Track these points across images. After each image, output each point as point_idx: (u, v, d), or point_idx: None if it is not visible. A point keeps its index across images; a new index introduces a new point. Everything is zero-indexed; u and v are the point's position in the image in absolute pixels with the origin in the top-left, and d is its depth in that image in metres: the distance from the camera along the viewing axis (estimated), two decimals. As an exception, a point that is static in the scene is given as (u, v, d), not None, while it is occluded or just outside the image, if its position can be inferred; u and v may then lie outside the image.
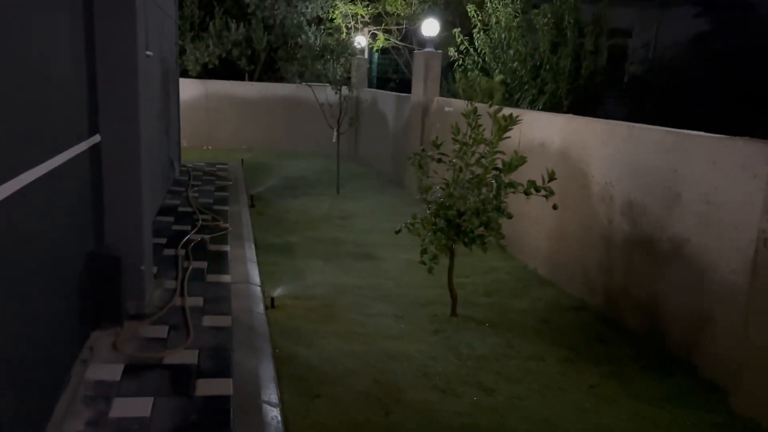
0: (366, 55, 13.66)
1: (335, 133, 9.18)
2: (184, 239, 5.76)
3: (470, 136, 4.54)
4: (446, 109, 7.98)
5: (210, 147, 13.29)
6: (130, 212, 3.97)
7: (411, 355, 3.88)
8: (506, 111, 4.66)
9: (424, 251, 4.66)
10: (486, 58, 8.94)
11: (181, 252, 5.38)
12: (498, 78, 8.45)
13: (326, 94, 9.72)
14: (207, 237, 5.92)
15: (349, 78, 14.62)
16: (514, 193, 4.33)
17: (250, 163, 11.30)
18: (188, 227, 6.24)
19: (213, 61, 13.13)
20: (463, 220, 4.27)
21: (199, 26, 13.38)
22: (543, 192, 4.30)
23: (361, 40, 12.90)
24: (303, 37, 13.30)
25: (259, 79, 13.89)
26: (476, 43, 8.95)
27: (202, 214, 6.80)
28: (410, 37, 14.24)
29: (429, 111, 8.61)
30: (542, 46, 8.36)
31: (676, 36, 12.96)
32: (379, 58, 14.83)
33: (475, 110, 4.55)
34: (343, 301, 4.77)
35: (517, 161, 4.43)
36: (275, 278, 5.16)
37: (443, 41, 10.49)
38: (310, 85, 9.50)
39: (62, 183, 3.23)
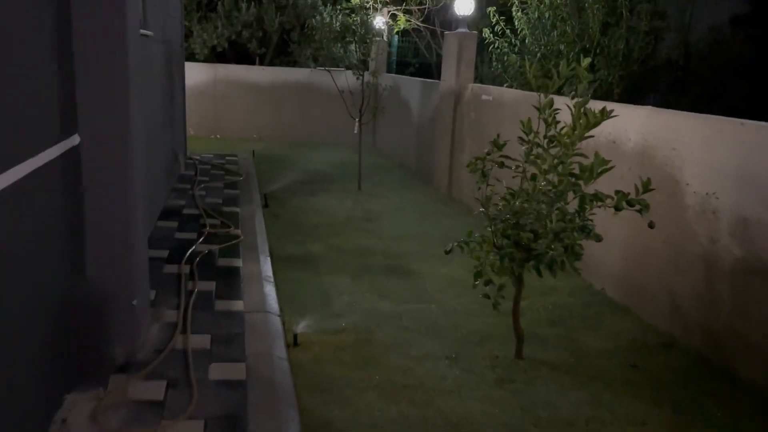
0: (385, 38, 12.70)
1: (357, 124, 8.29)
2: (189, 251, 4.92)
3: (546, 136, 3.65)
4: (483, 97, 7.07)
5: (219, 136, 12.43)
6: (119, 233, 3.13)
7: (475, 419, 3.03)
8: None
9: (478, 274, 3.80)
10: (526, 41, 8.00)
11: (185, 269, 4.55)
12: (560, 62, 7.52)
13: (346, 79, 8.83)
14: (216, 248, 5.08)
15: (365, 62, 13.73)
16: (600, 207, 3.45)
17: (262, 154, 10.44)
18: (194, 235, 5.40)
19: (222, 44, 12.23)
20: (540, 244, 3.39)
21: (206, 6, 12.46)
22: (636, 206, 3.42)
23: (380, 21, 11.94)
24: (318, 17, 12.35)
25: (271, 64, 12.98)
26: (515, 23, 8.01)
27: (210, 218, 5.96)
28: (432, 19, 13.26)
29: (462, 99, 7.70)
30: (592, 26, 7.41)
31: (713, 18, 11.95)
32: (399, 40, 13.89)
33: (550, 103, 3.66)
34: (380, 335, 3.93)
35: (600, 164, 3.54)
36: (297, 303, 4.32)
37: (473, 22, 9.53)
38: (328, 70, 8.58)
39: (25, 201, 2.39)
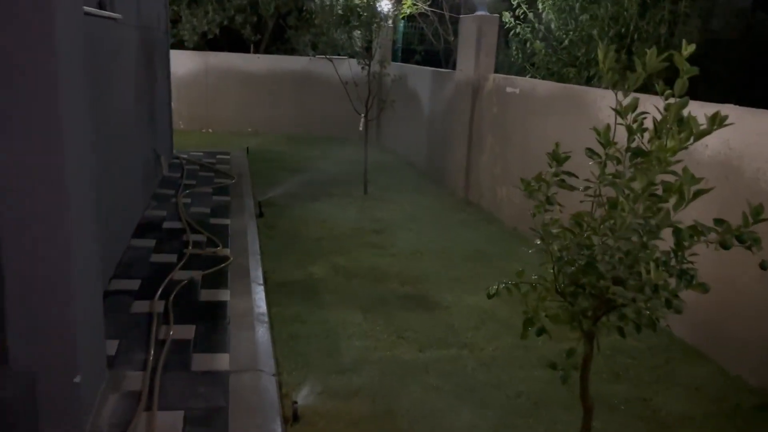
0: (390, 23, 11.77)
1: (362, 120, 7.40)
2: (166, 281, 4.07)
3: (629, 149, 2.78)
4: (509, 90, 6.18)
5: (210, 130, 11.54)
6: (52, 301, 2.27)
7: None
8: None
9: (529, 322, 2.95)
10: (552, 25, 7.10)
11: (159, 306, 3.70)
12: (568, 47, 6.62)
13: (350, 68, 7.94)
14: (198, 276, 4.22)
15: (369, 49, 12.80)
16: (704, 243, 2.59)
17: (257, 151, 9.55)
18: (173, 258, 4.54)
19: (213, 30, 11.31)
20: (625, 294, 2.53)
21: (196, -11, 11.51)
22: (747, 242, 2.56)
23: (385, 5, 11.01)
24: (317, 0, 11.42)
25: (267, 51, 12.06)
26: (539, 7, 7.10)
27: (194, 234, 5.10)
28: (441, 2, 12.32)
29: (482, 91, 6.82)
30: (628, 8, 6.51)
31: (735, 1, 11.04)
32: (405, 26, 12.97)
33: (635, 104, 2.78)
34: (404, 400, 3.08)
35: (690, 182, 2.67)
36: (297, 352, 3.47)
37: (492, 5, 8.61)
38: (330, 59, 7.68)
39: None
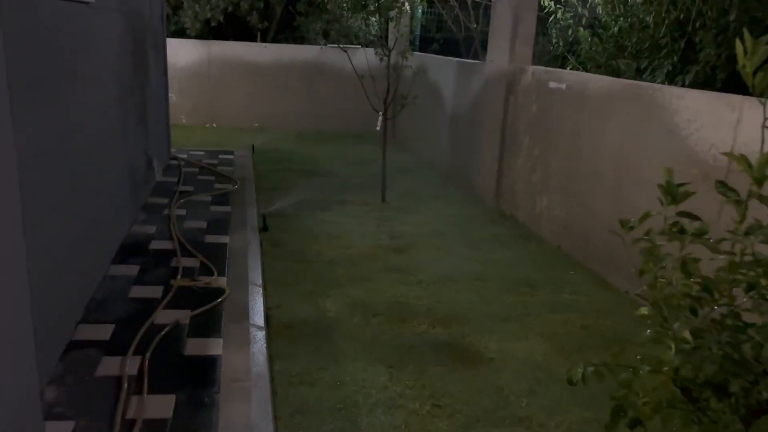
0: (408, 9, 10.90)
1: (380, 118, 6.57)
2: (144, 326, 3.29)
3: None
4: (552, 85, 5.34)
5: (214, 125, 10.75)
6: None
7: None
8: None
9: (618, 413, 2.15)
10: (598, 10, 6.23)
11: (132, 367, 2.92)
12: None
13: (366, 58, 7.12)
14: (185, 319, 3.44)
15: (385, 38, 11.93)
16: None
17: (263, 150, 8.76)
18: (158, 291, 3.76)
19: (216, 17, 10.48)
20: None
21: (198, -27, 10.68)
22: None
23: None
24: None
25: (274, 40, 11.24)
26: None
27: (185, 257, 4.33)
28: (462, -14, 11.43)
29: (518, 86, 5.97)
30: (690, -10, 5.64)
31: None
32: (424, 12, 12.08)
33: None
34: None
35: None
36: None
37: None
38: (345, 48, 6.85)
39: None
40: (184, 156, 7.61)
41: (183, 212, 5.38)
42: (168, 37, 10.85)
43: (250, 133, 10.31)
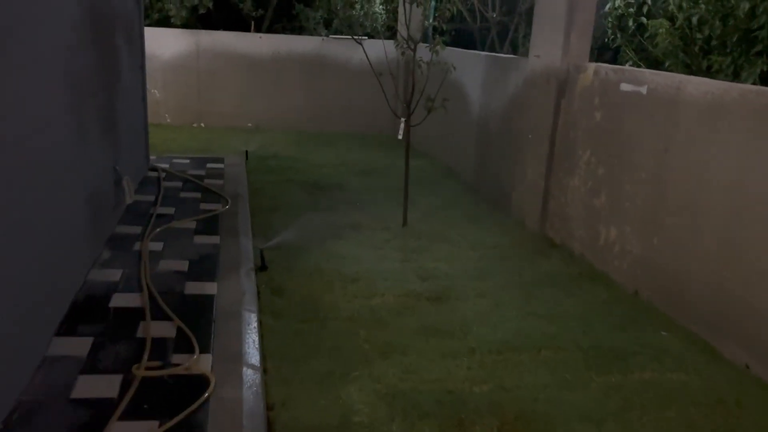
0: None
1: (401, 125, 5.43)
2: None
3: None
4: (626, 87, 4.22)
5: (203, 125, 9.60)
6: None
7: None
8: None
9: None
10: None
11: None
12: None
13: (384, 50, 6.01)
14: (149, 442, 2.35)
15: (393, 28, 10.77)
16: None
17: (258, 155, 7.63)
18: (114, 385, 2.65)
19: (205, 4, 9.30)
20: None
21: (185, -46, 9.49)
22: None
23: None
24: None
25: (271, 30, 10.06)
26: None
27: (157, 320, 3.21)
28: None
29: (573, 87, 4.86)
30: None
31: None
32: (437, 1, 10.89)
33: None
34: None
35: None
36: None
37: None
38: (359, 41, 5.71)
39: None
40: (166, 166, 6.47)
41: (159, 246, 4.26)
42: (150, 26, 9.71)
43: (244, 134, 9.17)
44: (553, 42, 4.98)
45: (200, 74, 9.46)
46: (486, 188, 6.43)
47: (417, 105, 5.14)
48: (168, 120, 9.53)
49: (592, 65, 4.63)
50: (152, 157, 6.66)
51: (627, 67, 4.39)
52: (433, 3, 10.11)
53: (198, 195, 5.59)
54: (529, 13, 9.94)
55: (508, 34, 10.49)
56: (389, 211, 5.68)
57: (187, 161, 6.86)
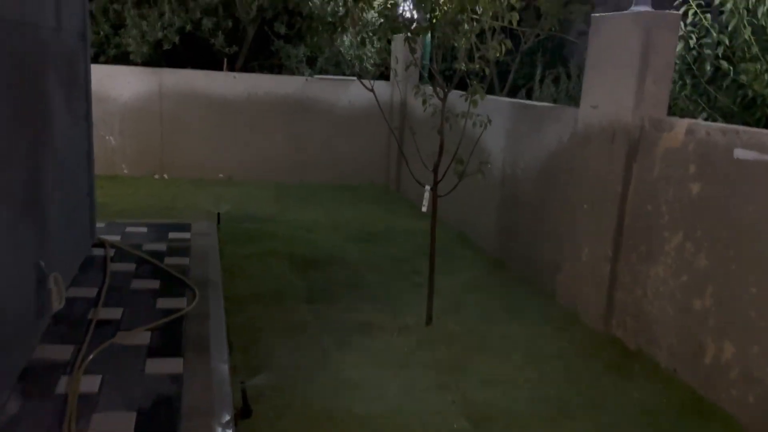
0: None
1: (427, 194, 4.17)
2: None
3: None
4: (743, 155, 3.10)
5: (165, 176, 8.29)
6: None
7: None
8: None
9: None
10: (744, 34, 4.08)
11: None
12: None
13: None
14: None
15: (382, 66, 9.68)
16: None
17: (233, 217, 6.36)
18: None
19: (171, 39, 8.08)
20: None
21: (147, -18, 8.30)
22: None
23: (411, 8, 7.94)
24: (316, 1, 8.31)
25: (245, 69, 8.89)
26: (727, 6, 4.08)
27: None
28: None
29: (653, 149, 3.75)
30: None
31: None
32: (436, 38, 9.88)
33: None
34: None
35: None
36: None
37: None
38: (371, 89, 4.46)
39: None
40: (116, 238, 5.15)
41: (95, 384, 2.93)
42: (105, 62, 8.44)
43: (215, 187, 7.89)
44: (620, 89, 3.88)
45: (164, 118, 8.20)
46: (517, 264, 5.25)
47: (448, 167, 3.95)
48: (125, 171, 8.21)
49: (683, 122, 3.52)
50: (100, 225, 5.34)
51: (741, 126, 3.30)
52: (427, 41, 9.06)
53: (156, 284, 4.26)
54: (531, 53, 8.99)
55: (509, 75, 9.49)
56: (404, 299, 4.47)
57: (144, 230, 5.54)
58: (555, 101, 7.00)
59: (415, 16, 7.72)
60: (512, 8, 3.43)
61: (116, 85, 8.03)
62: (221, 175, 8.41)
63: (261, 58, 9.00)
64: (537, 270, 4.91)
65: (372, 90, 4.26)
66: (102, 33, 8.24)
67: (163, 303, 3.93)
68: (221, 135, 8.35)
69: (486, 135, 5.63)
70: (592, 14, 4.14)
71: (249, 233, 5.95)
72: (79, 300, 3.87)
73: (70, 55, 4.28)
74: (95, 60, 8.29)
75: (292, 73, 8.63)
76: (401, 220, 6.87)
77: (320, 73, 8.68)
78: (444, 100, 3.79)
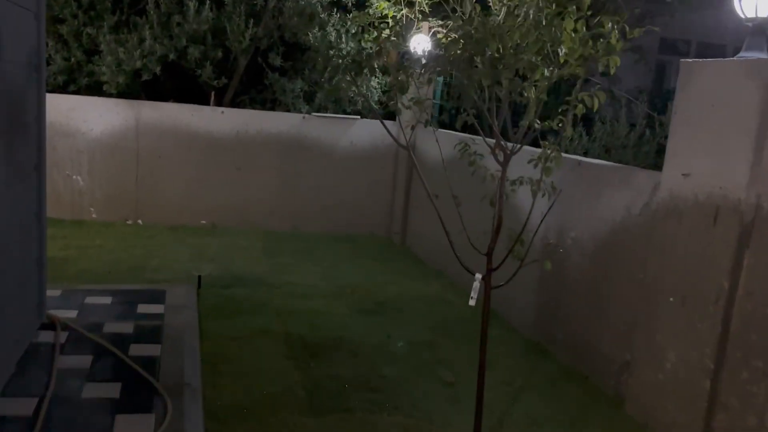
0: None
1: (477, 283, 3.20)
2: None
3: None
4: None
5: (140, 222, 7.30)
6: None
7: None
8: None
9: None
10: None
11: None
12: None
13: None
14: None
15: (384, 107, 8.83)
16: None
17: (217, 280, 5.38)
18: None
19: (151, 68, 7.15)
20: None
21: (128, 6, 7.39)
22: None
23: (421, 43, 7.13)
24: (316, 33, 7.46)
25: (235, 104, 7.98)
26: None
27: None
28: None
29: None
30: None
31: None
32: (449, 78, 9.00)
33: None
34: None
35: None
36: None
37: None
38: (386, 123, 3.52)
39: None
40: (73, 314, 4.14)
41: None
42: (76, 92, 7.44)
43: (196, 236, 6.91)
44: (727, 157, 3.02)
45: (140, 156, 7.24)
46: (562, 351, 4.32)
47: (498, 241, 3.03)
48: (93, 215, 7.20)
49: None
50: (54, 293, 4.34)
51: None
52: (440, 79, 8.22)
53: (115, 390, 3.26)
54: (556, 90, 8.23)
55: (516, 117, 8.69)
56: (434, 406, 3.52)
57: (109, 300, 4.53)
58: (586, 153, 6.18)
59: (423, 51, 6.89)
60: (609, 51, 2.54)
61: (87, 118, 7.07)
62: (203, 222, 7.43)
63: (253, 92, 8.10)
64: (592, 363, 3.99)
65: (404, 133, 3.32)
66: (73, 59, 7.29)
67: (121, 425, 2.93)
68: (205, 176, 7.39)
69: (522, 194, 4.74)
70: (682, 59, 3.30)
71: (236, 303, 4.96)
72: (9, 423, 2.85)
73: (16, 96, 3.33)
74: (64, 89, 7.33)
75: (287, 109, 7.74)
76: (411, 284, 5.93)
77: (319, 110, 7.81)
78: (505, 164, 2.88)
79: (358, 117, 7.58)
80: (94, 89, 7.32)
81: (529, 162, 2.82)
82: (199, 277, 5.23)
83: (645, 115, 6.05)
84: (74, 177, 7.16)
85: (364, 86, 7.58)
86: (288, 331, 4.48)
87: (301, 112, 7.59)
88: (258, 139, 7.43)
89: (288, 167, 7.54)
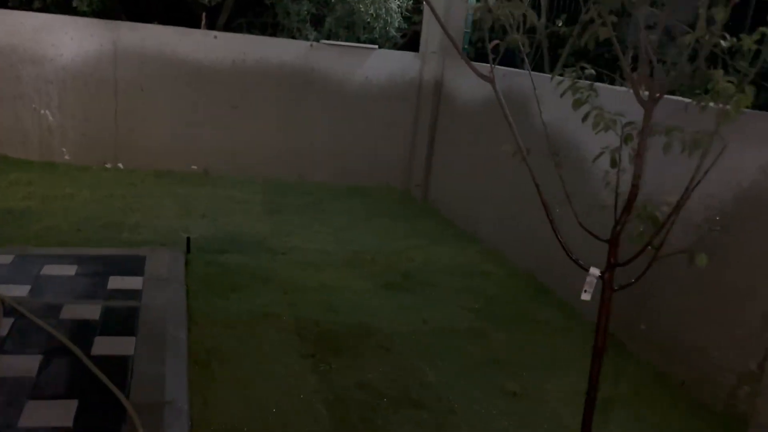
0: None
1: (592, 277, 2.21)
2: None
3: None
4: None
5: (121, 166, 6.27)
6: None
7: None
8: None
9: None
10: None
11: None
12: None
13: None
14: None
15: (405, 36, 7.64)
16: None
17: (209, 243, 4.42)
18: None
19: (130, -18, 5.98)
20: None
21: None
22: None
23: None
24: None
25: (230, 28, 6.78)
26: None
27: None
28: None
29: None
30: None
31: None
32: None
33: None
34: None
35: None
36: None
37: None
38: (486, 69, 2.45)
39: None
40: (24, 291, 3.21)
41: None
42: (40, 11, 6.25)
43: (185, 185, 5.92)
44: None
45: (119, 88, 6.15)
46: (646, 347, 3.42)
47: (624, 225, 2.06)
48: (66, 157, 6.18)
49: None
50: (6, 257, 3.41)
51: None
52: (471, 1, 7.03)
53: (69, 414, 2.34)
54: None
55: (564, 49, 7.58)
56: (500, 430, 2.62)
57: (72, 270, 3.59)
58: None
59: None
60: None
61: (55, 41, 5.94)
62: (194, 167, 6.41)
63: (251, 14, 6.90)
64: (694, 369, 3.10)
65: (490, 76, 2.28)
66: (37, -31, 6.09)
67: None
68: (196, 114, 6.31)
69: (589, 140, 3.70)
70: None
71: (232, 274, 4.01)
72: None
73: None
74: (28, 5, 6.16)
75: (291, 35, 6.58)
76: (440, 250, 4.99)
77: (328, 37, 6.65)
78: (652, 107, 1.87)
79: (376, 47, 6.44)
80: (64, 6, 6.15)
81: (695, 97, 1.80)
82: (188, 239, 4.27)
83: None
84: (42, 111, 6.09)
85: (383, 8, 6.43)
86: (298, 314, 3.55)
87: (307, 39, 6.44)
88: (257, 71, 6.31)
89: (291, 105, 6.45)
